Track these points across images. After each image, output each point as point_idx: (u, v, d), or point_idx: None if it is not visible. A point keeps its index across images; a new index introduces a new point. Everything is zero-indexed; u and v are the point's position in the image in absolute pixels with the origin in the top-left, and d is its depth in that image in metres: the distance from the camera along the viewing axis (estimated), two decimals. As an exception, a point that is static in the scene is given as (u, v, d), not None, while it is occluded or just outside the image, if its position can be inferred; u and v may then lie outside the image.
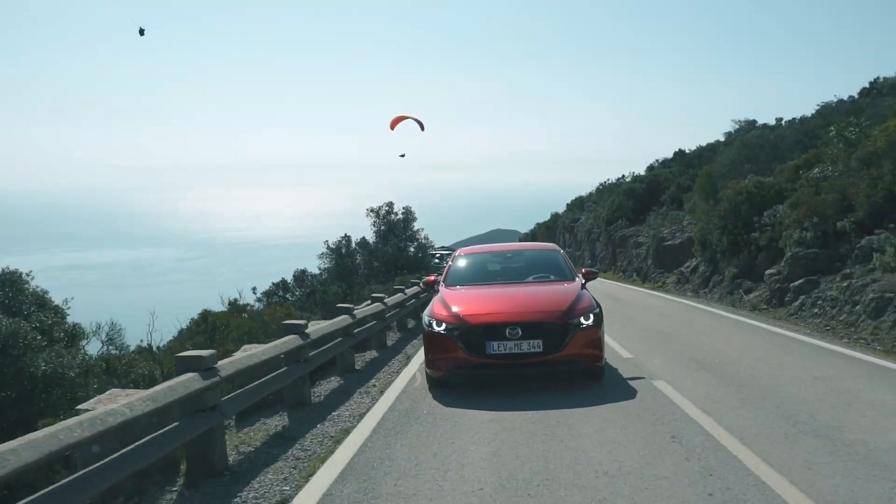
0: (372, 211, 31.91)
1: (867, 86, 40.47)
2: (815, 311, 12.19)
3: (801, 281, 13.25)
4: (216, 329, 10.14)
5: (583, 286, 8.29)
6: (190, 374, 4.75)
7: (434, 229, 34.48)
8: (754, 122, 42.60)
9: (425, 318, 7.75)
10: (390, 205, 32.27)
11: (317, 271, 27.27)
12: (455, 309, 7.53)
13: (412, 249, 30.33)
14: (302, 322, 7.26)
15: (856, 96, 39.49)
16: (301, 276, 24.16)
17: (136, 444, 4.08)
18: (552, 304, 7.46)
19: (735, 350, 9.72)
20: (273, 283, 23.68)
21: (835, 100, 38.19)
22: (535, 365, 7.15)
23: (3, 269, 8.63)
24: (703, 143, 44.31)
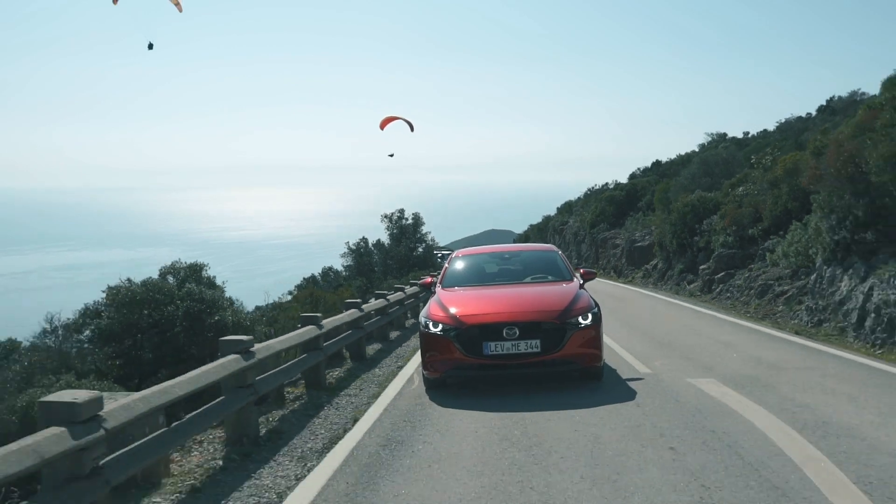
0: (386, 217, 37.22)
1: (824, 103, 44.90)
2: (728, 295, 16.75)
3: (722, 274, 17.84)
4: (319, 301, 14.39)
5: (581, 286, 8.30)
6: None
7: (430, 228, 39.01)
8: (725, 135, 47.04)
9: (422, 320, 7.70)
10: (401, 211, 37.72)
11: (340, 268, 32.02)
12: (452, 310, 7.45)
13: (420, 250, 34.98)
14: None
15: (813, 113, 43.95)
16: (327, 272, 28.56)
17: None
18: (550, 304, 7.44)
19: (661, 318, 14.20)
20: (304, 279, 27.92)
21: (793, 117, 42.71)
22: (534, 365, 7.09)
23: (190, 263, 12.66)
24: (682, 152, 47.87)
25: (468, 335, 7.15)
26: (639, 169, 51.55)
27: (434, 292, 8.56)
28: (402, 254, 33.77)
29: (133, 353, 10.92)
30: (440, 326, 7.33)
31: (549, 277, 8.76)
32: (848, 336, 10.52)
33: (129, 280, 12.03)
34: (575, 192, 60.28)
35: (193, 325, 10.87)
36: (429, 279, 9.38)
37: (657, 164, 47.82)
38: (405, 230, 36.50)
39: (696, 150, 45.03)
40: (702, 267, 19.52)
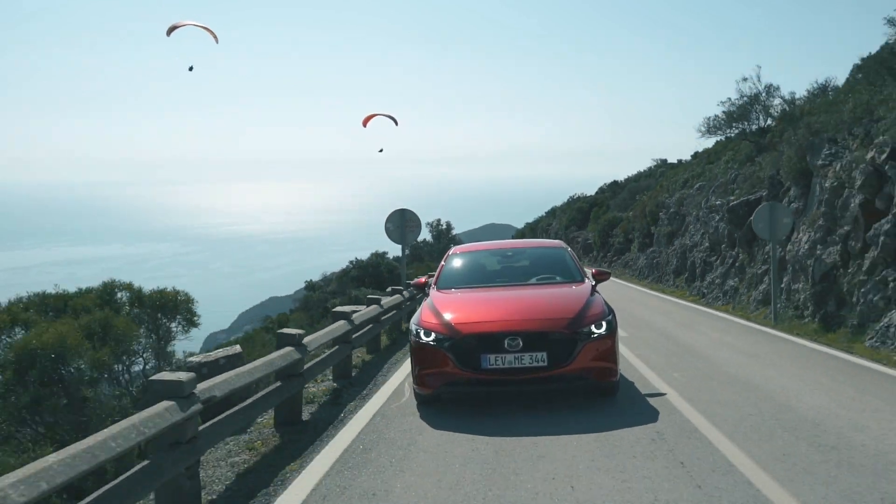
0: (428, 224, 49.32)
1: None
2: (624, 267, 20.43)
3: (617, 257, 27.45)
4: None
5: (593, 288, 7.40)
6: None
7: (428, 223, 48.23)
8: (665, 160, 53.71)
9: (412, 327, 6.80)
10: (438, 221, 51.27)
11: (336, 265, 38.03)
12: (446, 316, 6.57)
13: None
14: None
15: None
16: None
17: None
18: (559, 311, 6.57)
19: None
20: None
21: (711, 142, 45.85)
22: (539, 381, 6.19)
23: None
24: (639, 171, 58.43)
25: (464, 346, 6.25)
26: (605, 184, 62.55)
27: (428, 294, 7.66)
28: (441, 251, 40.19)
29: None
30: (432, 335, 6.43)
31: (558, 278, 7.83)
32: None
33: None
34: (571, 187, 70.60)
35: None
36: (422, 279, 8.41)
37: (614, 183, 59.74)
38: (441, 233, 49.71)
39: (653, 165, 54.73)
40: (609, 253, 38.48)
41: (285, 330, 6.38)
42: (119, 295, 13.96)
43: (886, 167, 10.78)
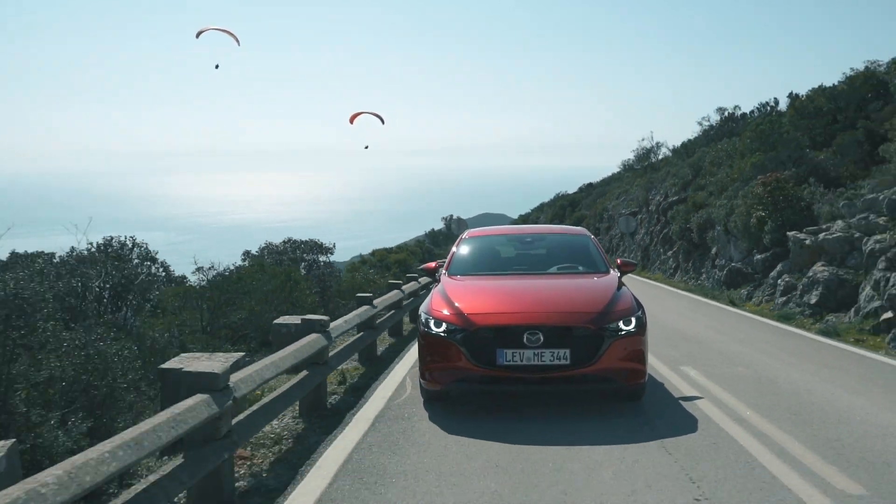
0: (443, 218, 57.89)
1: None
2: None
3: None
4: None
5: (620, 281, 6.84)
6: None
7: (422, 212, 47.50)
8: (651, 158, 53.68)
9: (422, 316, 6.29)
10: (451, 216, 56.10)
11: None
12: (459, 305, 6.08)
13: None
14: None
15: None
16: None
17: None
18: (584, 304, 6.06)
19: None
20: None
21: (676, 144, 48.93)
22: (561, 381, 5.72)
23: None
24: (611, 173, 61.37)
25: (478, 339, 5.74)
26: (584, 184, 67.01)
27: (439, 280, 7.16)
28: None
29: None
30: (443, 326, 5.92)
31: (581, 268, 7.27)
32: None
33: None
34: (565, 178, 73.33)
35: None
36: (432, 264, 7.90)
37: (590, 185, 63.52)
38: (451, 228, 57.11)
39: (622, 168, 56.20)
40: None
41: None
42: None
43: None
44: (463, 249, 7.76)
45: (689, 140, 39.60)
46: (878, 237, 11.79)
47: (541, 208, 70.42)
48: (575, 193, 62.96)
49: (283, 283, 13.95)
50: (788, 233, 15.02)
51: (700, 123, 38.79)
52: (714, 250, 20.98)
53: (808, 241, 13.95)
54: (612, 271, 7.13)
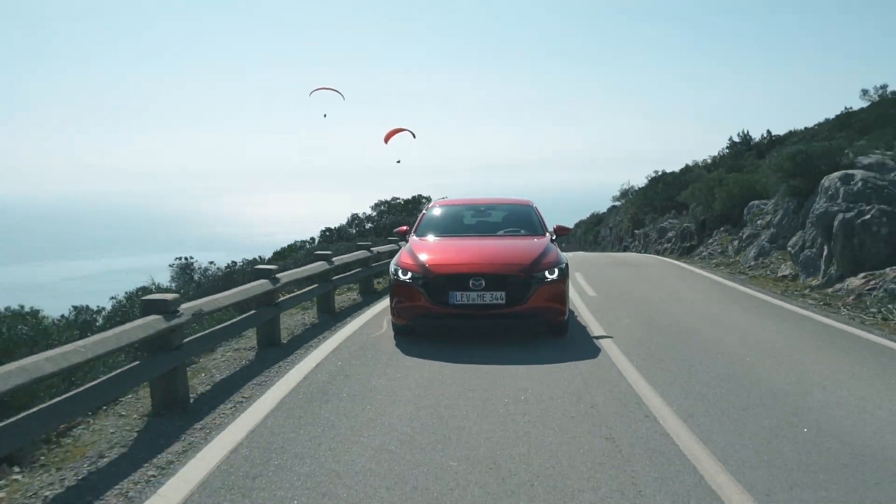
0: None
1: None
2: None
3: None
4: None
5: (552, 241, 8.44)
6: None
7: None
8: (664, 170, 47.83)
9: (392, 267, 7.81)
10: None
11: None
12: (422, 258, 7.59)
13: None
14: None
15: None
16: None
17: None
18: (517, 258, 7.54)
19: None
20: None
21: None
22: (499, 317, 7.20)
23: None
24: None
25: (435, 284, 7.26)
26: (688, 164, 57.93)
27: (407, 241, 8.76)
28: None
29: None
30: (409, 274, 7.44)
31: (523, 231, 8.88)
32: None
33: None
34: (607, 194, 65.23)
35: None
36: (404, 228, 9.39)
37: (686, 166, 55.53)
38: None
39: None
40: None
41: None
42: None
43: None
44: (430, 215, 9.49)
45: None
46: None
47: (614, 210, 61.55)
48: (679, 173, 45.21)
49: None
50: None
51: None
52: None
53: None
54: (546, 234, 8.74)
